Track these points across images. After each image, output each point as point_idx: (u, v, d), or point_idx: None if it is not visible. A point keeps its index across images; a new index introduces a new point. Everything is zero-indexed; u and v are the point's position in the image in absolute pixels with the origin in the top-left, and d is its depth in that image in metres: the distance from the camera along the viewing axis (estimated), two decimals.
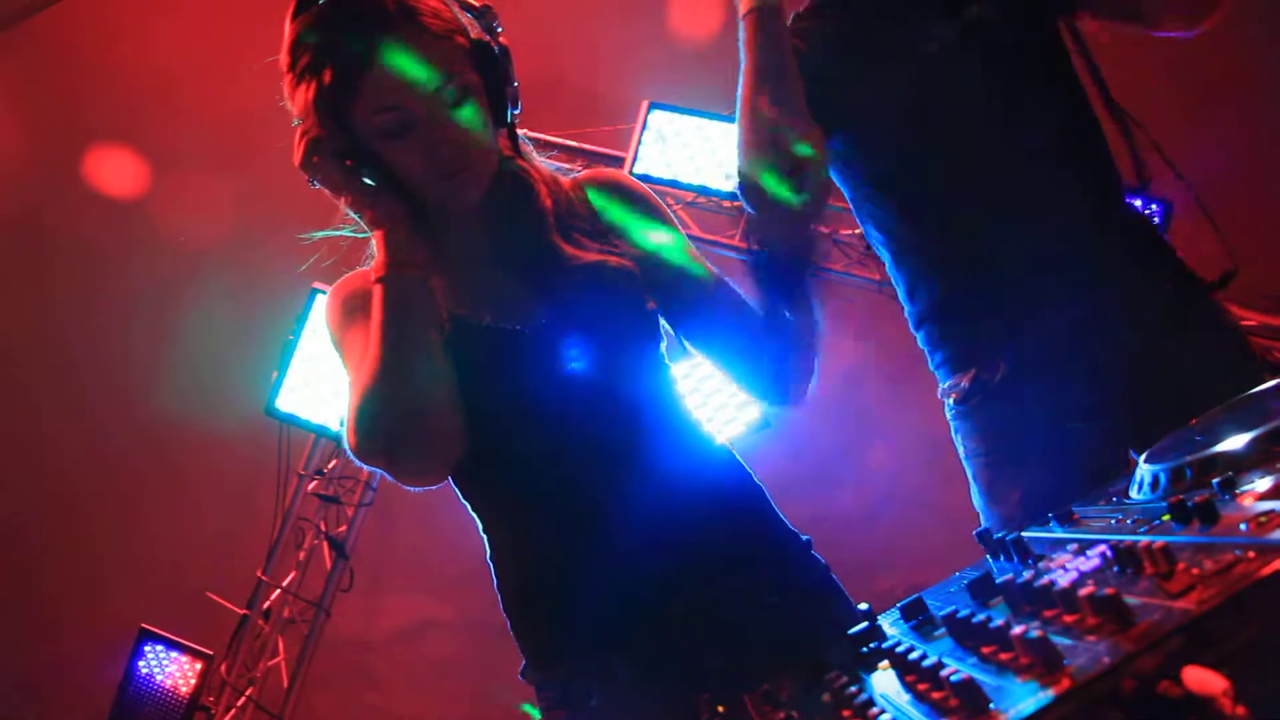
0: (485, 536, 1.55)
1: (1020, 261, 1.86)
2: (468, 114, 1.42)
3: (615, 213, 1.59)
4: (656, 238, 1.59)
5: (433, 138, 1.40)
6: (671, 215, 1.65)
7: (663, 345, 1.57)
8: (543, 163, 1.61)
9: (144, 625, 3.98)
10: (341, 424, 1.56)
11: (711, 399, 4.12)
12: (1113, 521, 1.03)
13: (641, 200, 1.62)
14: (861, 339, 4.31)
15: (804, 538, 1.58)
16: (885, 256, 2.04)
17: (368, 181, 1.43)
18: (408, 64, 1.38)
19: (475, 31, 1.47)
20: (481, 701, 4.64)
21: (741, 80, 1.84)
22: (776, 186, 1.79)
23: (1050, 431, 1.83)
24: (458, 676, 4.84)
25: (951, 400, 1.95)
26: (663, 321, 1.58)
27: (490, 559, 1.54)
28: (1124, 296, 1.84)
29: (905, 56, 1.88)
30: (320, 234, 1.50)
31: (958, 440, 1.96)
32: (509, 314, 1.47)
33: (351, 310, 1.52)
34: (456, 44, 1.42)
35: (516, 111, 1.53)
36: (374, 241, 1.45)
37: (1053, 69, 1.91)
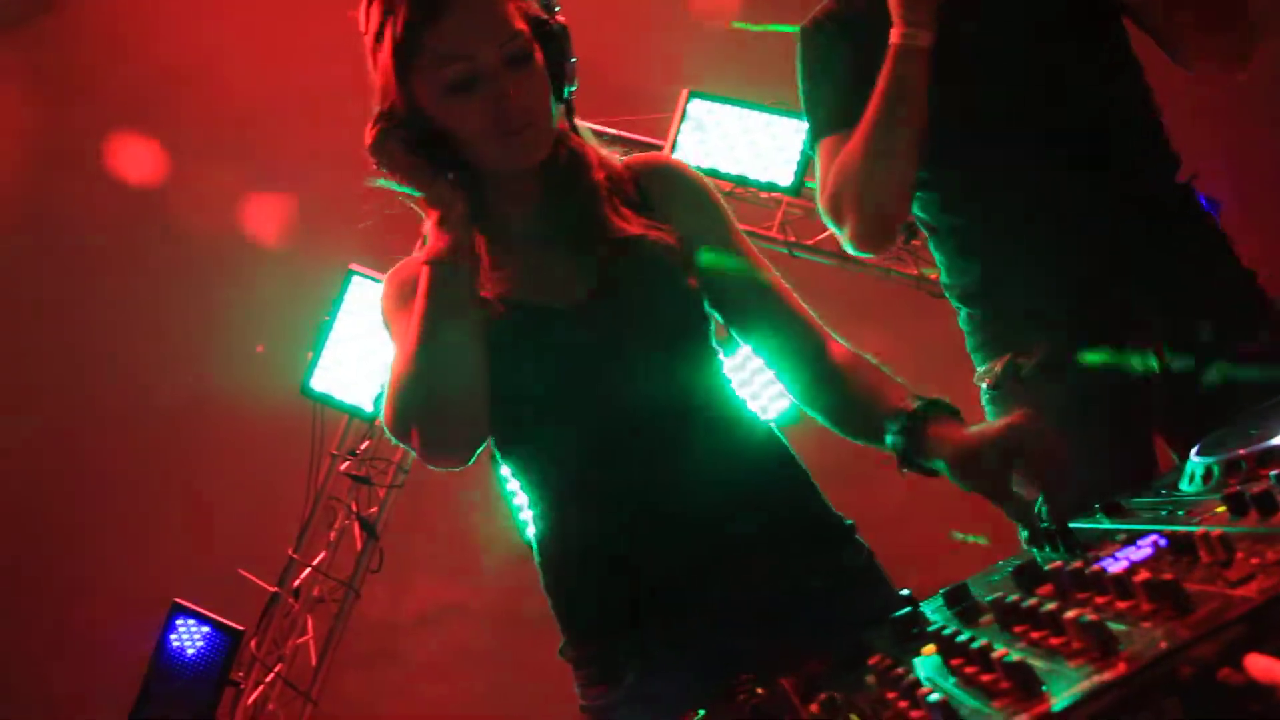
0: (531, 513, 1.56)
1: (1062, 248, 1.84)
2: (531, 75, 1.43)
3: (668, 198, 1.58)
4: (710, 229, 1.59)
5: (498, 91, 1.41)
6: (725, 204, 1.64)
7: (706, 322, 1.56)
8: (596, 144, 1.61)
9: (177, 600, 4.02)
10: (379, 400, 1.58)
11: (744, 386, 4.11)
12: (1162, 513, 1.02)
13: (695, 187, 1.61)
14: (897, 333, 4.28)
15: (847, 521, 1.58)
16: (926, 231, 2.03)
17: (432, 168, 1.45)
18: (473, 16, 1.40)
19: (535, 9, 1.48)
20: (504, 687, 4.66)
21: (865, 124, 1.84)
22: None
23: (1082, 421, 1.82)
24: (482, 662, 4.86)
25: (985, 385, 1.94)
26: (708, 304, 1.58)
27: (534, 536, 1.56)
28: (1170, 290, 1.82)
29: (939, 49, 1.86)
30: (381, 182, 1.50)
31: None
32: (554, 291, 1.48)
33: (404, 296, 1.54)
34: (520, 7, 1.44)
35: (573, 88, 1.53)
36: (429, 226, 1.47)
37: (1101, 50, 1.88)
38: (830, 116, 1.94)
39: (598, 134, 1.65)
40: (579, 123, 1.59)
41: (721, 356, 1.59)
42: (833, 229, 1.96)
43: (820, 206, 1.95)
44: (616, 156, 1.62)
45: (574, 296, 1.47)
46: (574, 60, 1.51)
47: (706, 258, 1.56)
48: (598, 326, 1.46)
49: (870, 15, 1.87)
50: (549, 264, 1.51)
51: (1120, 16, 1.90)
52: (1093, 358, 1.83)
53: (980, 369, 1.96)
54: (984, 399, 1.96)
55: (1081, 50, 1.87)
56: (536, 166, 1.51)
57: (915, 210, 2.01)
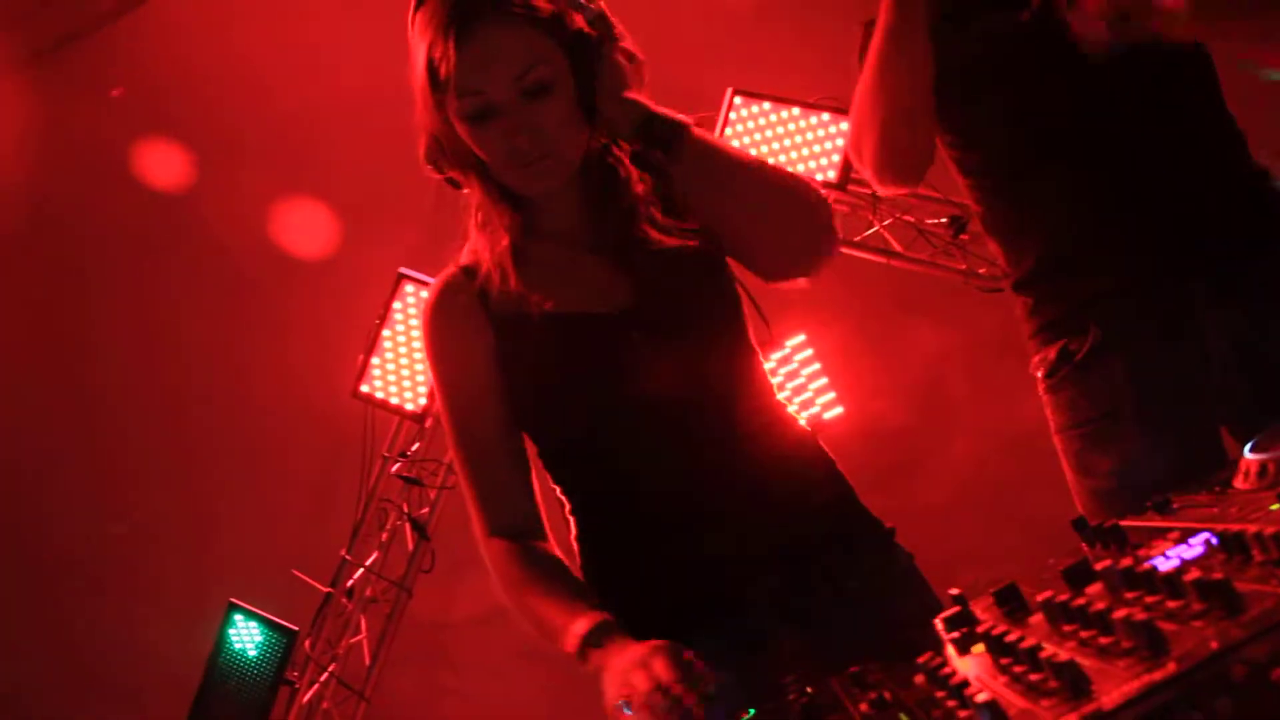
0: (572, 518, 1.57)
1: (1116, 232, 1.82)
2: (550, 105, 1.43)
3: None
4: None
5: (512, 124, 1.42)
6: None
7: (746, 326, 1.57)
8: None
9: (233, 600, 4.08)
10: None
11: (790, 386, 4.10)
12: (1216, 511, 1.01)
13: None
14: (946, 330, 4.25)
15: (887, 526, 1.58)
16: (982, 220, 2.02)
17: (478, 179, 1.51)
18: (488, 50, 1.40)
19: (578, 21, 1.46)
20: (558, 687, 4.67)
21: (870, 56, 1.89)
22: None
23: (1140, 406, 1.79)
24: (534, 663, 4.87)
25: (1040, 374, 1.92)
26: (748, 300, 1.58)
27: (576, 539, 1.57)
28: (1227, 275, 1.79)
29: (991, 32, 1.85)
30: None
31: (1049, 415, 1.93)
32: (596, 299, 1.49)
33: (446, 325, 1.56)
34: (545, 32, 1.42)
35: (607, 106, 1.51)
36: (472, 230, 1.53)
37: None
38: None
39: None
40: None
41: (759, 358, 1.59)
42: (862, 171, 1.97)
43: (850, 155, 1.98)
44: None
45: (620, 304, 1.48)
46: (606, 78, 1.47)
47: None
48: (640, 333, 1.47)
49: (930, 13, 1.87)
50: (593, 274, 1.52)
51: None
52: (1153, 346, 1.80)
53: (1036, 354, 1.94)
54: (1041, 388, 1.94)
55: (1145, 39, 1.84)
56: (575, 181, 1.52)
57: (972, 197, 2.00)
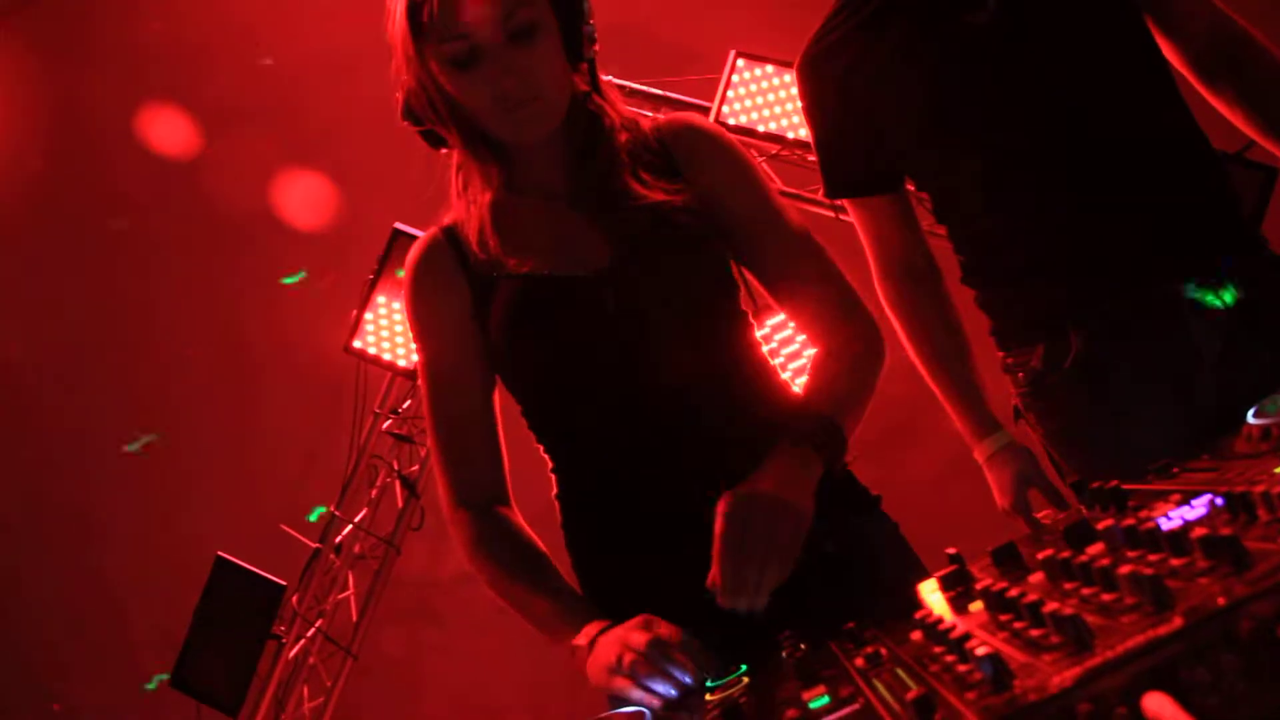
0: (554, 475, 1.57)
1: (1097, 235, 1.76)
2: (536, 48, 1.41)
3: (695, 159, 1.54)
4: (737, 186, 1.55)
5: (499, 68, 1.39)
6: (756, 162, 1.61)
7: (734, 286, 1.55)
8: (624, 105, 1.58)
9: (220, 554, 4.07)
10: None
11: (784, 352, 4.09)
12: (1217, 475, 1.00)
13: (722, 146, 1.58)
14: None
15: (872, 494, 1.57)
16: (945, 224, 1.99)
17: (460, 134, 1.48)
18: None
19: None
20: (543, 645, 4.70)
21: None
22: None
23: (1140, 407, 1.75)
24: (521, 619, 4.90)
25: (1020, 378, 1.88)
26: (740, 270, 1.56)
27: (557, 497, 1.56)
28: (1208, 272, 1.74)
29: (944, 45, 1.80)
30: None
31: (1033, 420, 1.89)
32: (577, 259, 1.47)
33: (422, 307, 1.56)
34: None
35: (593, 48, 1.50)
36: (452, 191, 1.53)
37: (1116, 27, 1.79)
38: (850, 181, 1.93)
39: (646, 95, 1.62)
40: (609, 79, 1.56)
41: (753, 321, 1.57)
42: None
43: (881, 298, 2.02)
44: (644, 116, 1.58)
45: (596, 264, 1.46)
46: (591, 24, 1.47)
47: (733, 217, 1.53)
48: (621, 293, 1.45)
49: (868, 39, 1.84)
50: (572, 231, 1.50)
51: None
52: (1141, 345, 1.77)
53: (1007, 361, 1.91)
54: (1019, 391, 1.89)
55: (1094, 33, 1.79)
56: (558, 131, 1.49)
57: (934, 213, 1.97)
